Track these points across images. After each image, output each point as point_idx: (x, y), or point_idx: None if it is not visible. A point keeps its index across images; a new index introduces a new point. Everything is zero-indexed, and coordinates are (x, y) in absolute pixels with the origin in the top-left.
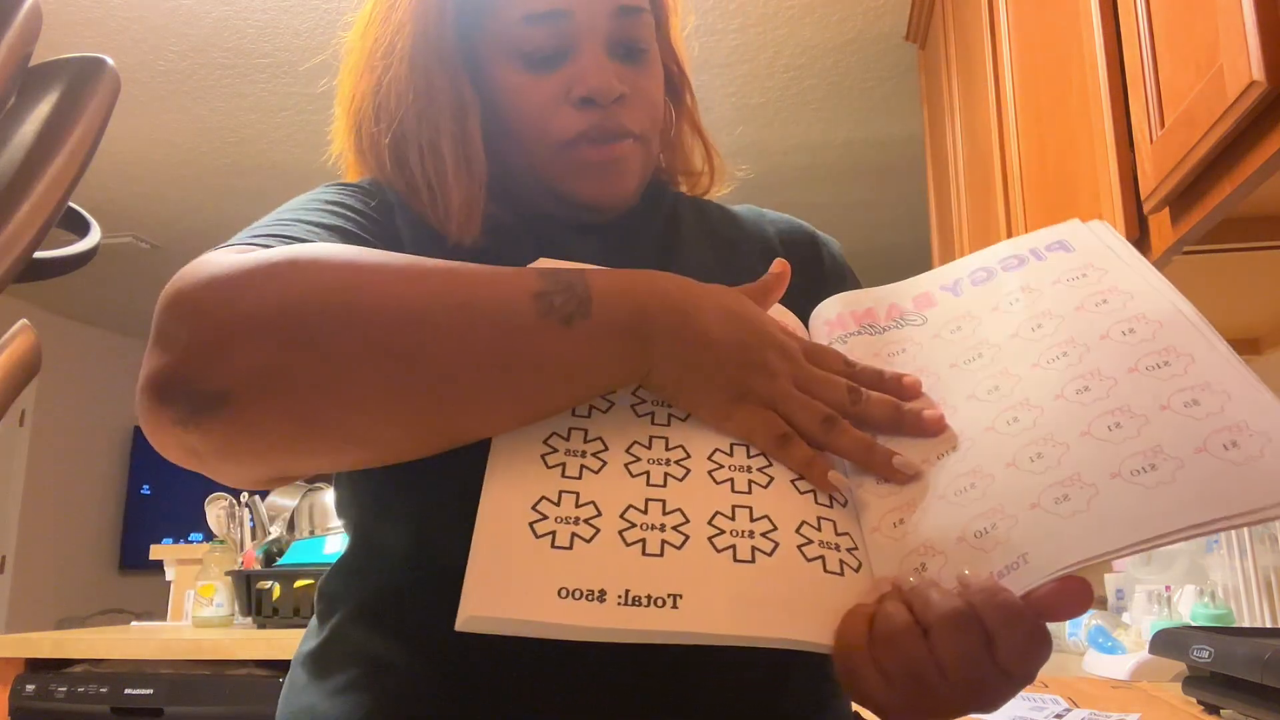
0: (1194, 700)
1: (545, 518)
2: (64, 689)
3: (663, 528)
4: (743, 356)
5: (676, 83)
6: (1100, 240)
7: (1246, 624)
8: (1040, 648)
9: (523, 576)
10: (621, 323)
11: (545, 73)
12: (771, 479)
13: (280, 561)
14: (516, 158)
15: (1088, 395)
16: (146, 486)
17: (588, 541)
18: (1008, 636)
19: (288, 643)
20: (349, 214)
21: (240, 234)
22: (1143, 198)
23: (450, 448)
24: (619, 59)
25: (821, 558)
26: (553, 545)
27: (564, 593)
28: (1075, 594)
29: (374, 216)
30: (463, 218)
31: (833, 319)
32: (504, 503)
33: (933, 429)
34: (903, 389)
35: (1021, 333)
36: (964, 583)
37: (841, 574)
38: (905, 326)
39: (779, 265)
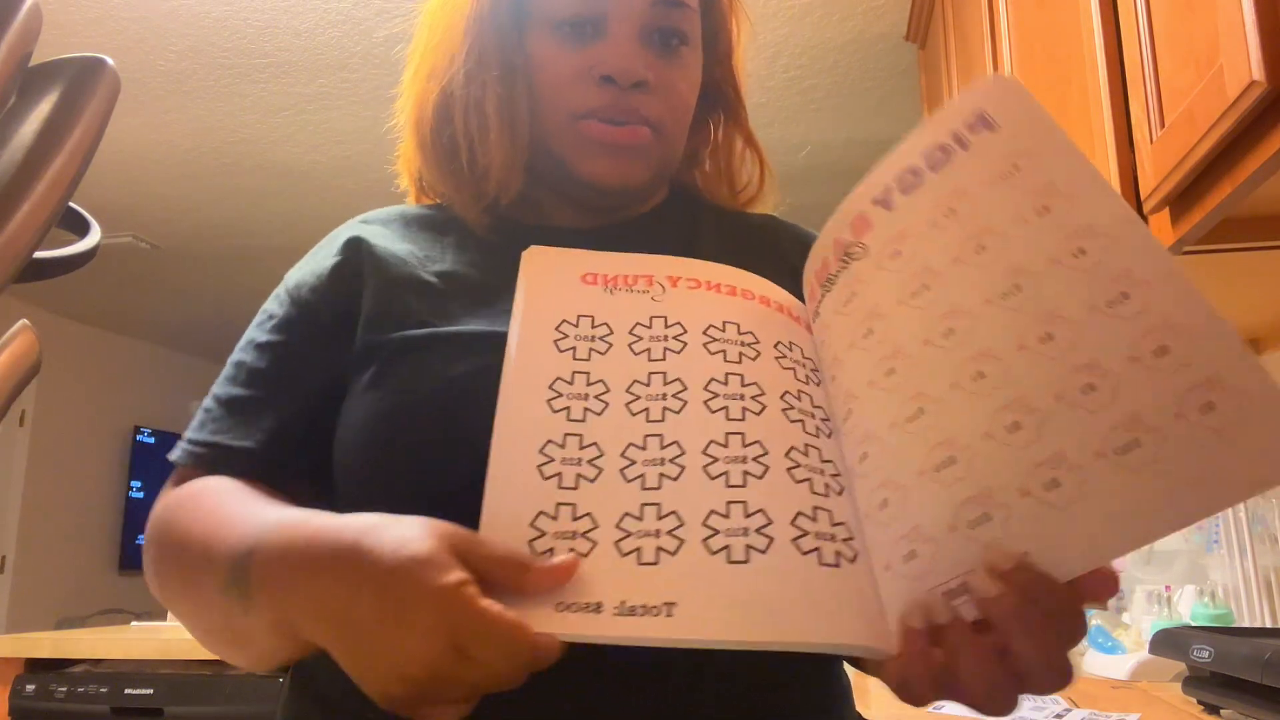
0: (1194, 700)
1: (543, 534)
2: (64, 689)
3: (658, 534)
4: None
5: (731, 104)
6: (1023, 105)
7: (1246, 624)
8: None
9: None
10: (272, 618)
11: (575, 46)
12: (767, 468)
13: None
14: (537, 129)
15: (1053, 346)
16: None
17: (584, 555)
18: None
19: None
20: (283, 327)
21: (216, 384)
22: (1143, 198)
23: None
24: (652, 47)
25: (817, 549)
26: None
27: (561, 606)
28: (1106, 582)
29: (315, 303)
30: (503, 177)
31: (807, 296)
32: (502, 522)
33: None
34: None
35: (964, 257)
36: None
37: (838, 565)
38: (851, 263)
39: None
